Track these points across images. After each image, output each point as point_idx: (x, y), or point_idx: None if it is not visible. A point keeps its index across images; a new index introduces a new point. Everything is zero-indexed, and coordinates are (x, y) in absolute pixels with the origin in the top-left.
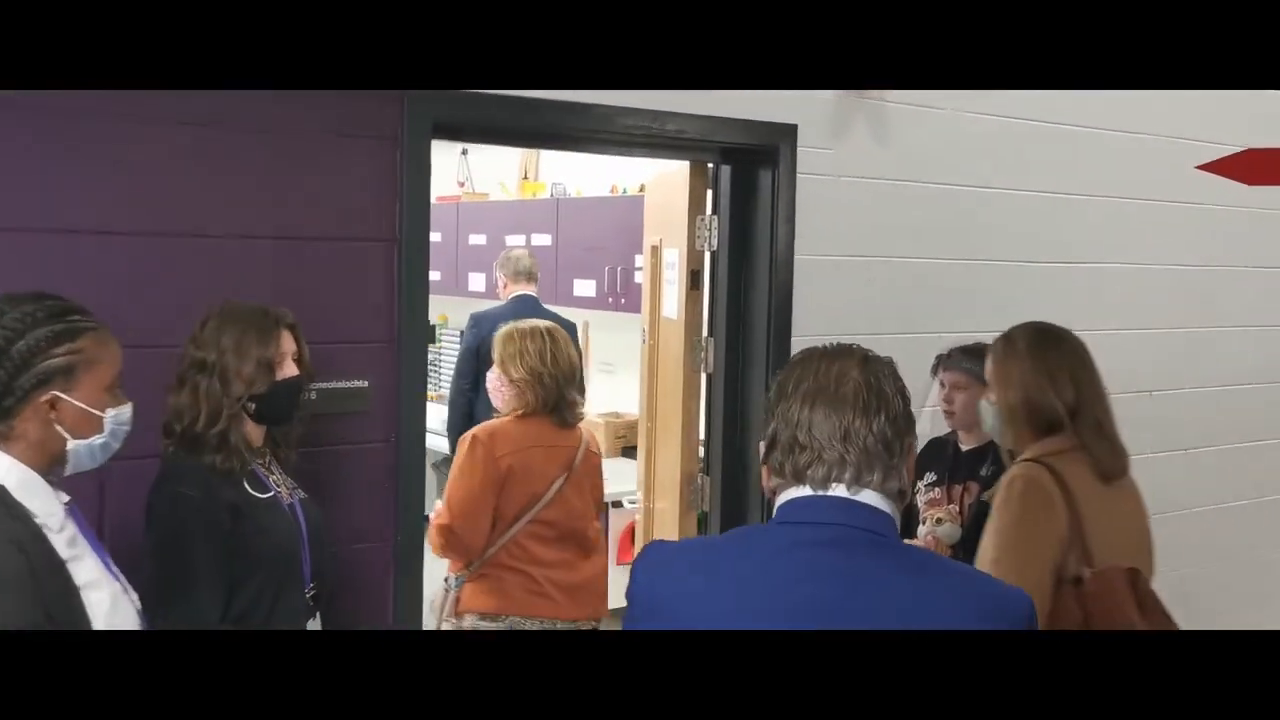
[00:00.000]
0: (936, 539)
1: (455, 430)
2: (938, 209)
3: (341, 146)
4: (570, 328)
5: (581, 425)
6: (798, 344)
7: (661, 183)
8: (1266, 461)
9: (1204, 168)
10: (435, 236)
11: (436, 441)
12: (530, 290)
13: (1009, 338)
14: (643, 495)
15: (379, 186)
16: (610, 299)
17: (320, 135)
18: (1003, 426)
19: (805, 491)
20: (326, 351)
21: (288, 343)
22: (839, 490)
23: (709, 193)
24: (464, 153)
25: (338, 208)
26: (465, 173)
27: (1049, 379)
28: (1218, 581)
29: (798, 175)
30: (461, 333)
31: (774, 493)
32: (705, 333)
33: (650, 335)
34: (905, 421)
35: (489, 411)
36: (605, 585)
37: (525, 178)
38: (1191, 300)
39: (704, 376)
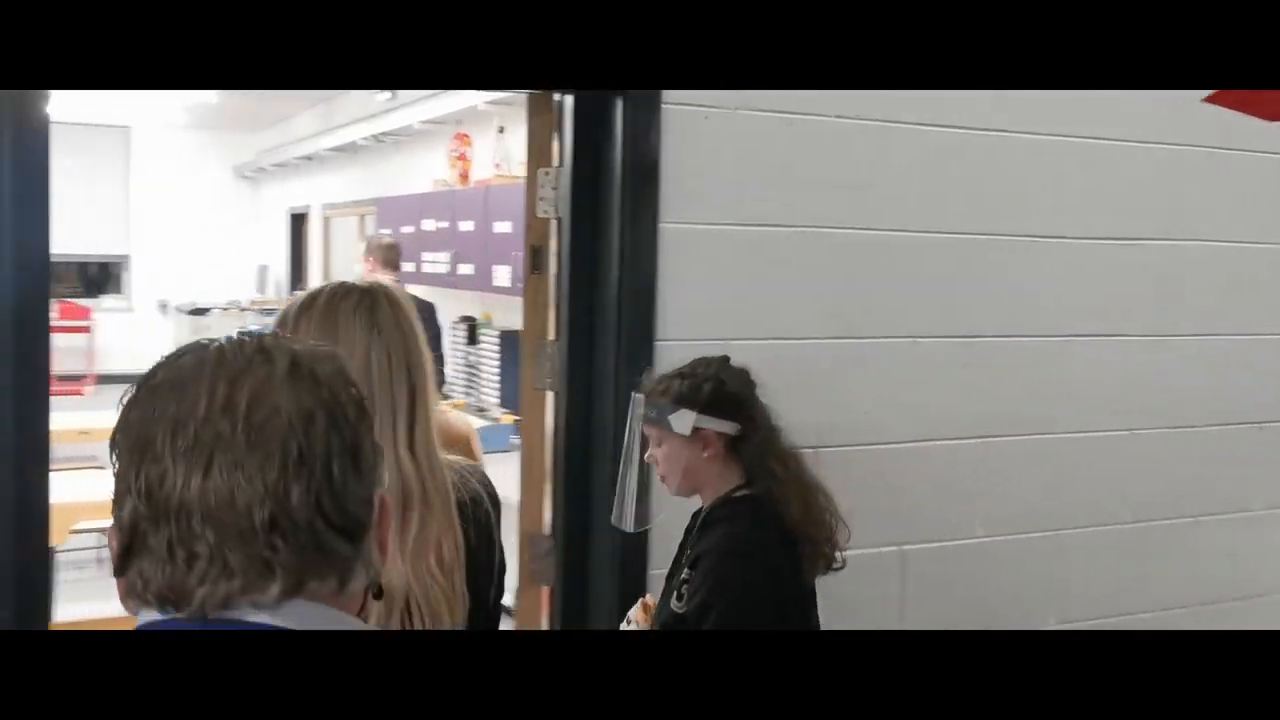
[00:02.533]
0: None
1: None
2: (889, 156)
3: None
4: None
5: None
6: (667, 352)
7: None
8: (1251, 539)
9: (1212, 100)
10: (468, 225)
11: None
12: (398, 276)
13: None
14: None
15: None
16: None
17: None
18: None
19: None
20: None
21: None
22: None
23: (555, 137)
24: (501, 131)
25: None
26: (503, 153)
27: None
28: None
29: (663, 106)
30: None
31: None
32: (551, 334)
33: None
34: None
35: None
36: None
37: None
38: (1141, 295)
39: (550, 399)
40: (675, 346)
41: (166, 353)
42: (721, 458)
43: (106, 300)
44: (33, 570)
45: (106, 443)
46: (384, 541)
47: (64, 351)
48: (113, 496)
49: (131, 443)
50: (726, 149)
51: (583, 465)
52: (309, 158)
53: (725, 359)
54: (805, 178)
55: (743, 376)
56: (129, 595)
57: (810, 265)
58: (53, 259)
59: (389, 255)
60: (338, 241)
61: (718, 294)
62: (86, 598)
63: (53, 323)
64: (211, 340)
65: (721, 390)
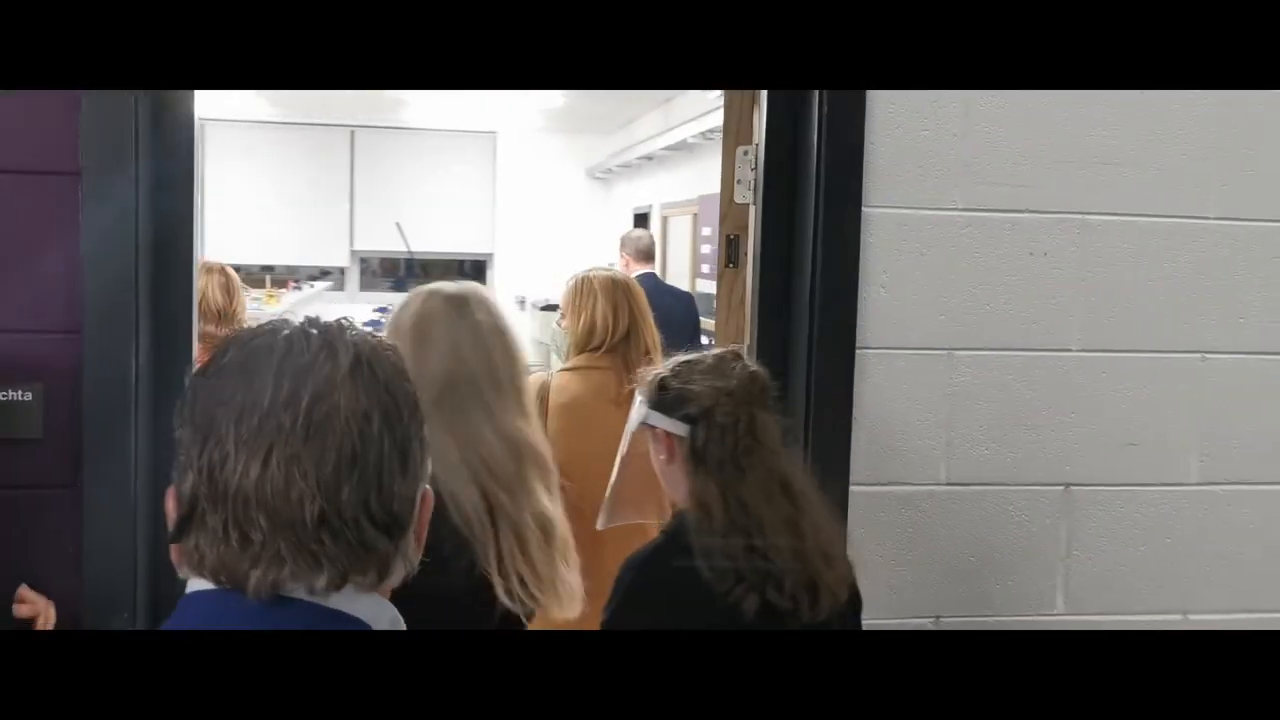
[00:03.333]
0: None
1: None
2: (1169, 122)
3: None
4: (687, 298)
5: None
6: (872, 363)
7: None
8: None
9: None
10: None
11: None
12: (652, 269)
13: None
14: None
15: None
16: None
17: None
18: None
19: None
20: None
21: None
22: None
23: (756, 110)
24: None
25: None
26: None
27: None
28: None
29: None
30: None
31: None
32: (748, 339)
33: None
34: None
35: None
36: None
37: None
38: None
39: None
40: (881, 357)
41: (240, 332)
42: (682, 464)
43: None
44: None
45: None
46: (420, 535)
47: None
48: (176, 464)
49: (198, 420)
50: (953, 114)
51: None
52: (649, 158)
53: (731, 353)
54: (1057, 150)
55: (720, 373)
56: (185, 562)
57: (1062, 260)
58: (431, 257)
59: (639, 246)
60: (673, 239)
61: (939, 294)
62: None
63: None
64: (282, 326)
65: (673, 385)
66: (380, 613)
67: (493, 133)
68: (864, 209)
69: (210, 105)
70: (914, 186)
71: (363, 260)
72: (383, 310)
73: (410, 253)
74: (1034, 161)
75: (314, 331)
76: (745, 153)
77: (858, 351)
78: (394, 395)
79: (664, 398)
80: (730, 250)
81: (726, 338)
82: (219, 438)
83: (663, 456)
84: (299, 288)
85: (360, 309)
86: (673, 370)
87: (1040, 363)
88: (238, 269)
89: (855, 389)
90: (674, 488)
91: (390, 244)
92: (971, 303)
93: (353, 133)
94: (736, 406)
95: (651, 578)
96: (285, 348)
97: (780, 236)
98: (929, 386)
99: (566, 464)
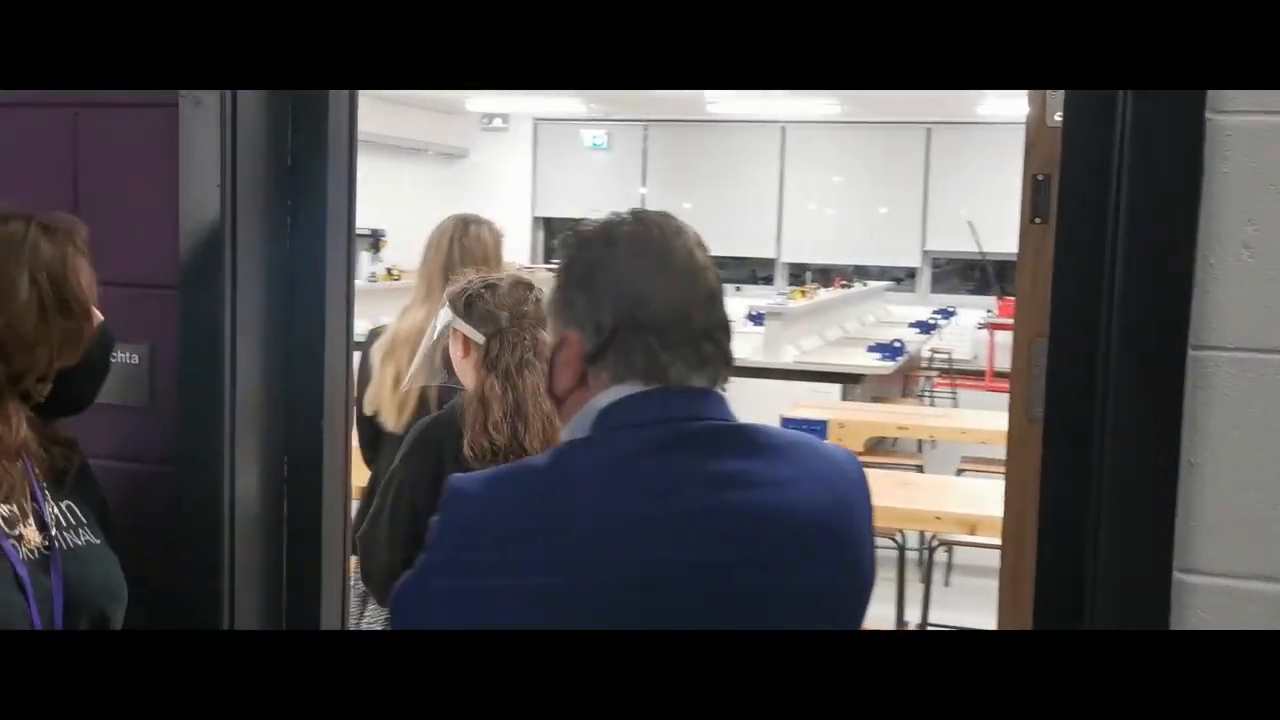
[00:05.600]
0: None
1: None
2: None
3: None
4: None
5: None
6: (1214, 369)
7: None
8: None
9: None
10: None
11: None
12: None
13: None
14: None
15: None
16: None
17: None
18: None
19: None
20: None
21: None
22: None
23: None
24: None
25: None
26: None
27: None
28: None
29: None
30: None
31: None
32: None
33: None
34: None
35: None
36: None
37: None
38: None
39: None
40: (1242, 364)
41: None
42: (475, 363)
43: None
44: None
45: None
46: None
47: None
48: (569, 313)
49: (612, 283)
50: None
51: (1070, 553)
52: None
53: (525, 282)
54: None
55: (516, 299)
56: (611, 377)
57: None
58: (1003, 258)
59: None
60: None
61: None
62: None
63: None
64: (641, 220)
65: (479, 300)
66: None
67: None
68: (1209, 114)
69: (786, 107)
70: None
71: (934, 262)
72: (944, 313)
73: (982, 253)
74: None
75: (664, 220)
76: None
77: (1192, 353)
78: None
79: (471, 311)
80: (1038, 198)
81: (1029, 327)
82: (633, 293)
83: (459, 354)
84: (847, 285)
85: (917, 310)
86: (477, 290)
87: None
88: (825, 270)
89: (1188, 412)
90: (463, 376)
91: (962, 244)
92: None
93: (928, 130)
94: (524, 329)
95: (424, 439)
96: (658, 233)
97: (1090, 171)
98: None
99: None
